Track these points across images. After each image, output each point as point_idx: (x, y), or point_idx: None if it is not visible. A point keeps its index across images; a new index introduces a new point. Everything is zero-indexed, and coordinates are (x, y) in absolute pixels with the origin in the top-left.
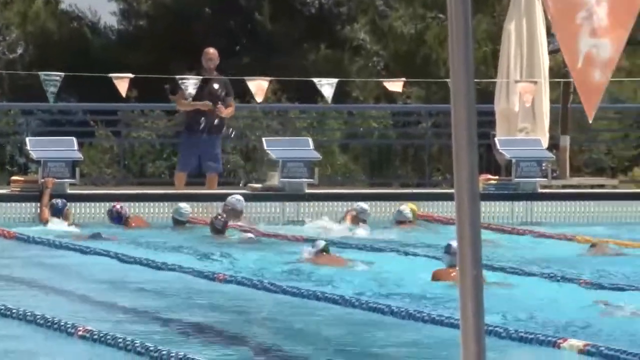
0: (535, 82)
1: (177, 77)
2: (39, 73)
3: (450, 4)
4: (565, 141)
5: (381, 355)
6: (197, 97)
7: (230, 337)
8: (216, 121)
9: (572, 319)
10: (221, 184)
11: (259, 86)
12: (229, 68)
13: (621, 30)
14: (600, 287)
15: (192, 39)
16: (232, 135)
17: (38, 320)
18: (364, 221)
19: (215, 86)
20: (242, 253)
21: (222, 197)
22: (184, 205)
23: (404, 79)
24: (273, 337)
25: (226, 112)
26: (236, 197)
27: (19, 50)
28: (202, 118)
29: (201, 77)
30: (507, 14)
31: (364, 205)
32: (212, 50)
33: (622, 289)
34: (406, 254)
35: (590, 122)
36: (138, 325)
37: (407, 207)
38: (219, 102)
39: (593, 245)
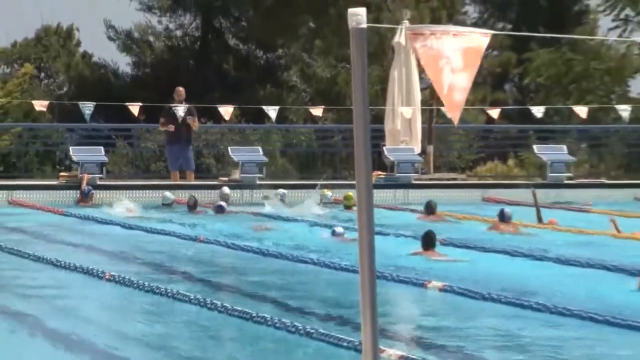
0: (412, 109)
1: (171, 105)
2: (78, 103)
3: (353, 58)
4: (430, 149)
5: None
6: (169, 119)
7: (210, 284)
8: (185, 135)
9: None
10: (198, 178)
11: (226, 112)
12: (205, 101)
13: (471, 69)
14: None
15: (181, 82)
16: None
17: (77, 269)
18: (283, 201)
19: (181, 113)
20: (210, 221)
21: (197, 187)
22: (168, 194)
23: (322, 107)
24: (239, 280)
25: (194, 125)
26: (226, 189)
27: (65, 88)
28: (175, 135)
29: (187, 105)
30: (392, 64)
31: (284, 190)
32: (180, 89)
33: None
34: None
35: (455, 125)
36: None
37: (328, 192)
38: (188, 119)
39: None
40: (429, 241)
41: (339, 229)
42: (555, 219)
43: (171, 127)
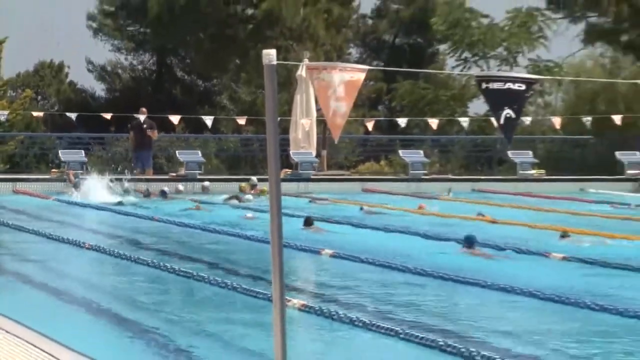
0: (309, 123)
1: (141, 116)
2: (68, 114)
3: (267, 86)
4: (324, 153)
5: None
6: (136, 131)
7: (161, 251)
8: (147, 143)
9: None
10: (156, 174)
11: (175, 119)
12: (159, 118)
13: (350, 99)
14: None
15: (142, 103)
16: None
17: (65, 240)
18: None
19: (145, 125)
20: (160, 205)
21: (154, 180)
22: (127, 184)
23: (245, 117)
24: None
25: (154, 136)
26: (207, 183)
27: (55, 107)
28: (139, 143)
29: (149, 120)
30: (296, 91)
31: (254, 178)
32: (144, 109)
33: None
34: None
35: (336, 142)
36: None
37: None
38: (148, 131)
39: (312, 200)
40: (306, 222)
41: (249, 214)
42: (425, 204)
43: (132, 138)
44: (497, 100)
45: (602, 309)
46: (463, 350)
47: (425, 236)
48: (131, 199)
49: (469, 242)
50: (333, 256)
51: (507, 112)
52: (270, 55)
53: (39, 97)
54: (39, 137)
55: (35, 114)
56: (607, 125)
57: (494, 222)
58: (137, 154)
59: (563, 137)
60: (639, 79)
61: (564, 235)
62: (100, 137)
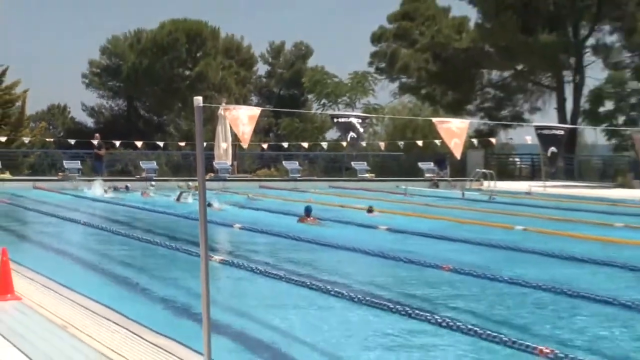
0: (226, 145)
1: (94, 140)
2: (69, 140)
3: (196, 121)
4: (235, 163)
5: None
6: (96, 148)
7: (132, 225)
8: (98, 157)
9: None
10: (127, 174)
11: (140, 143)
12: (130, 143)
13: (251, 126)
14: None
15: (117, 132)
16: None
17: (70, 219)
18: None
19: (99, 147)
20: (128, 196)
21: (127, 180)
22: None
23: (185, 141)
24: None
25: (102, 153)
26: (189, 183)
27: (61, 134)
28: (95, 157)
29: (100, 142)
30: (218, 123)
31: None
32: (97, 135)
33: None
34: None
35: (245, 147)
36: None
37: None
38: (97, 150)
39: (249, 196)
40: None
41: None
42: (312, 198)
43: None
44: (344, 129)
45: (409, 261)
46: (308, 282)
47: (289, 213)
48: (111, 193)
49: (307, 210)
50: (241, 228)
51: (352, 134)
52: (198, 100)
53: (51, 127)
54: (50, 152)
55: (47, 139)
56: (413, 146)
57: (342, 206)
58: (93, 164)
59: (386, 153)
60: (432, 117)
61: (370, 210)
62: (89, 153)
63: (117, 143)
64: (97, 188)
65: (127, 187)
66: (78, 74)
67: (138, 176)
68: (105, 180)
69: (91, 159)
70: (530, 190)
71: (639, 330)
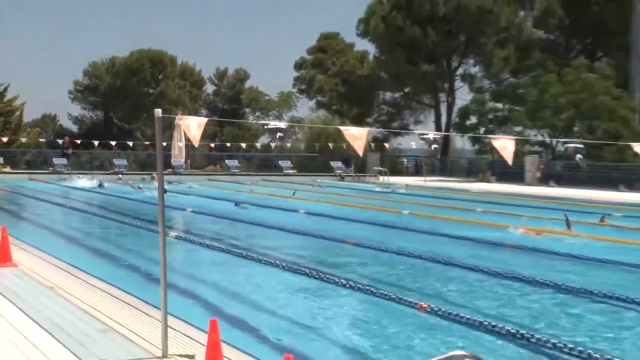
0: (181, 145)
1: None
2: (58, 140)
3: (157, 129)
4: (188, 161)
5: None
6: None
7: (114, 211)
8: (65, 156)
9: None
10: (103, 169)
11: (115, 144)
12: (105, 144)
13: (199, 131)
14: (178, 193)
15: (95, 137)
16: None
17: (62, 205)
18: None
19: (67, 148)
20: (105, 188)
21: (102, 174)
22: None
23: (149, 142)
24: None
25: (69, 152)
26: (153, 174)
27: (51, 137)
28: (62, 155)
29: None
30: (174, 130)
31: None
32: (66, 137)
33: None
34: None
35: (196, 147)
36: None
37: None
38: (65, 150)
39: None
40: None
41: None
42: (254, 189)
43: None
44: (272, 134)
45: (321, 237)
46: (248, 254)
47: (228, 200)
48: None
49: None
50: (192, 212)
51: (279, 134)
52: (158, 112)
53: (43, 132)
54: (43, 151)
55: (41, 139)
56: (326, 149)
57: (270, 195)
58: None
59: (305, 154)
60: (340, 126)
61: (294, 194)
62: (74, 153)
63: (96, 143)
64: (83, 181)
65: (101, 182)
66: (65, 91)
67: (112, 171)
68: (71, 174)
69: (76, 156)
70: (408, 184)
71: (479, 283)
